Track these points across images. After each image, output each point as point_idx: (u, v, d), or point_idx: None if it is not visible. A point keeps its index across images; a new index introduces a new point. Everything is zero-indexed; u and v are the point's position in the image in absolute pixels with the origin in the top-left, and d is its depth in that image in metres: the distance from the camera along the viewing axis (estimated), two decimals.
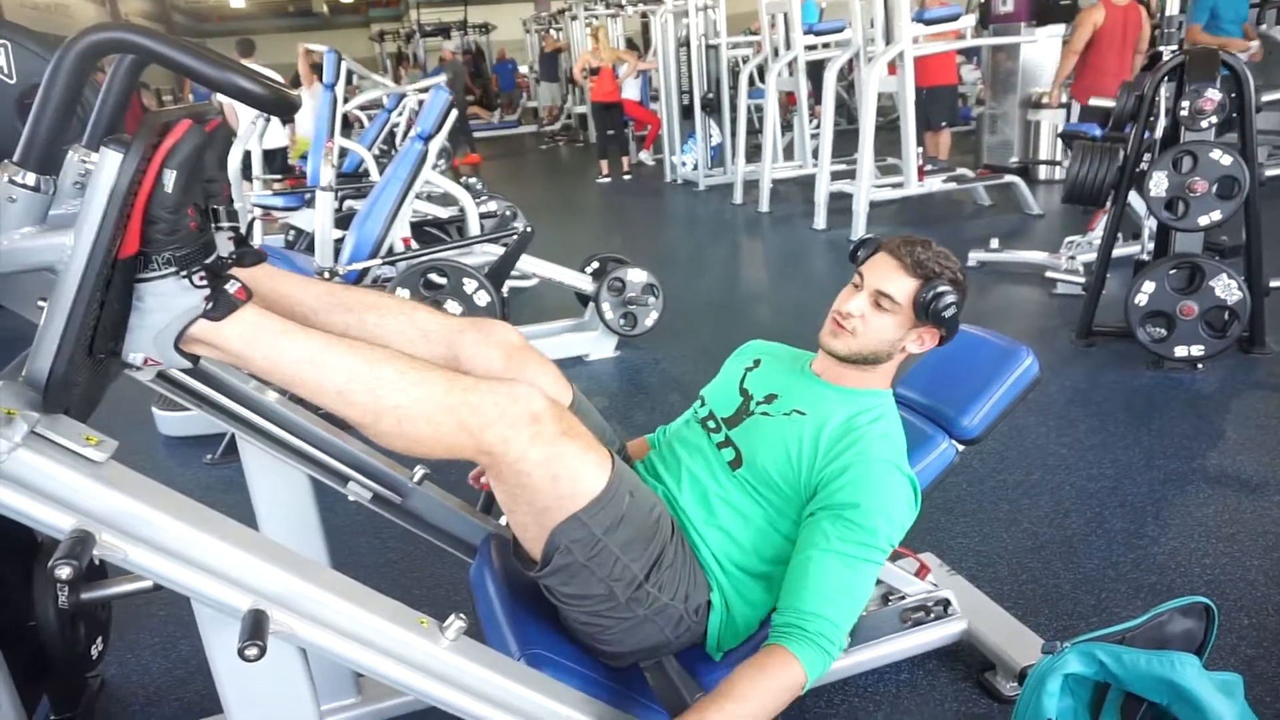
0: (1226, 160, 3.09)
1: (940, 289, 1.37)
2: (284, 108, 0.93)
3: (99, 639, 1.80)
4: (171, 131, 0.92)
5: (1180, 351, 3.22)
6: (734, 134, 7.79)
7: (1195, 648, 1.36)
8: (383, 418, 1.06)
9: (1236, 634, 1.85)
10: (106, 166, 0.88)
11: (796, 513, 1.36)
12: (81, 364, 0.93)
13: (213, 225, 1.03)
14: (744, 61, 8.48)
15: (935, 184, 6.17)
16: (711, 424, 1.50)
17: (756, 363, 1.58)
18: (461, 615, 1.09)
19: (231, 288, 1.00)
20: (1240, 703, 1.24)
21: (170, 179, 0.91)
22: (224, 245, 1.08)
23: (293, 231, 5.07)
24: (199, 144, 0.92)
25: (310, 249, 4.31)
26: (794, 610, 1.22)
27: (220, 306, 0.99)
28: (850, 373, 1.45)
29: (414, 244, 3.99)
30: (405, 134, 6.88)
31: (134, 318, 0.97)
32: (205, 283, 0.97)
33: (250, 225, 5.15)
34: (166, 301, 0.96)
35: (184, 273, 0.96)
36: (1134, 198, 3.65)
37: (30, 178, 0.95)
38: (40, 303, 1.01)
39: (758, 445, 1.40)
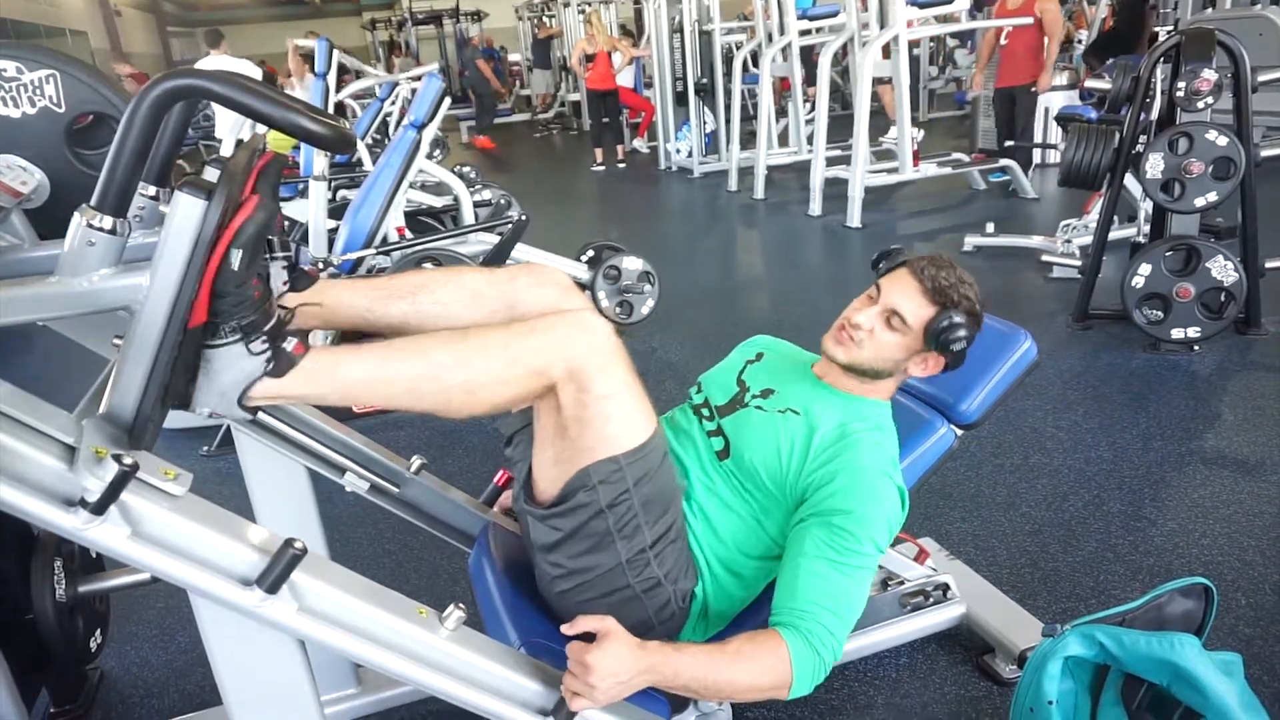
0: (1222, 141, 3.08)
1: (955, 320, 1.35)
2: (345, 146, 0.98)
3: (98, 631, 1.79)
4: (241, 209, 0.96)
5: (1177, 333, 3.23)
6: (728, 120, 7.76)
7: (1195, 628, 1.36)
8: (452, 398, 1.12)
9: (1235, 614, 1.86)
10: (188, 212, 0.92)
11: (780, 512, 1.35)
12: (162, 403, 0.98)
13: (267, 256, 1.09)
14: (738, 47, 8.43)
15: (930, 169, 6.17)
16: (705, 411, 1.50)
17: (759, 356, 1.57)
18: (460, 605, 1.09)
19: (289, 345, 1.06)
20: (1240, 682, 1.25)
21: (237, 258, 0.96)
22: (278, 274, 1.14)
23: (286, 222, 5.04)
24: (265, 220, 0.97)
25: (304, 239, 4.29)
26: (786, 610, 1.21)
27: (280, 364, 1.05)
28: (850, 380, 1.44)
29: (408, 233, 3.97)
30: (398, 123, 6.84)
31: (202, 379, 1.04)
32: (266, 347, 1.04)
33: None
34: (231, 364, 1.03)
35: (247, 340, 1.02)
36: (1130, 180, 3.64)
37: (108, 221, 0.99)
38: (115, 340, 1.05)
39: (747, 439, 1.39)
